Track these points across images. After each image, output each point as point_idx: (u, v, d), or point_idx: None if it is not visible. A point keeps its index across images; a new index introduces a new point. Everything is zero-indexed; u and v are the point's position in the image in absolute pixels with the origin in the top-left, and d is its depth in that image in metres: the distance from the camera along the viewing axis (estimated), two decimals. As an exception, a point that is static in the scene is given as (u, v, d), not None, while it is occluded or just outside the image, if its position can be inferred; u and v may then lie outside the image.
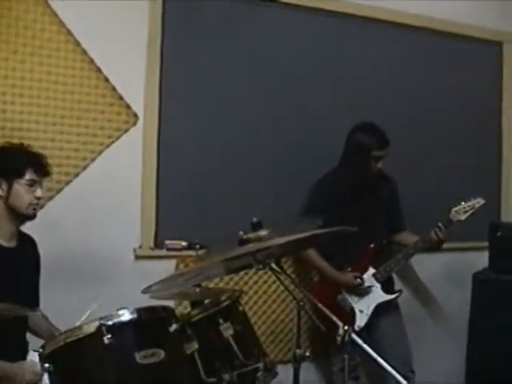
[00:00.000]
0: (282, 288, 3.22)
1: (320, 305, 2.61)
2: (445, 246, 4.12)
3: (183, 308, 3.81)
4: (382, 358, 3.95)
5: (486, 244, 4.53)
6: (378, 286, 4.03)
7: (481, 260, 4.55)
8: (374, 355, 2.48)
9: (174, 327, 2.73)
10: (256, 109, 4.21)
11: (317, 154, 4.27)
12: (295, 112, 4.31)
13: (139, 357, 2.57)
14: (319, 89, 4.39)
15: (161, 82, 3.94)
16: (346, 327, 2.45)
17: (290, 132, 4.29)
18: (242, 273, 4.11)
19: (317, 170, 4.13)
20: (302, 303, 2.69)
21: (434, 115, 4.81)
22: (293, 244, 2.65)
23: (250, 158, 4.18)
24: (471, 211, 4.00)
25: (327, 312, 2.57)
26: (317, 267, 4.15)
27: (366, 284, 4.01)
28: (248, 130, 4.18)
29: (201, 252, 3.83)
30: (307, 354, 2.84)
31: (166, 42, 3.95)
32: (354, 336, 2.46)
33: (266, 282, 4.17)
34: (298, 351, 2.81)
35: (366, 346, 2.48)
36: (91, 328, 2.54)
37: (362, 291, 4.01)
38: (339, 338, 2.44)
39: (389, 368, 2.47)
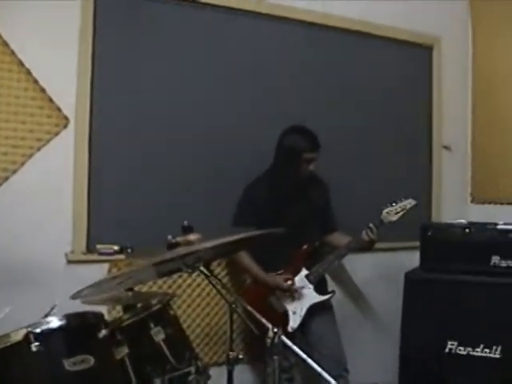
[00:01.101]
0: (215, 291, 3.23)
1: (249, 307, 2.62)
2: (377, 246, 4.16)
3: (117, 313, 3.78)
4: (317, 358, 4.03)
5: (417, 244, 4.59)
6: (311, 287, 4.05)
7: (412, 260, 4.60)
8: (304, 356, 2.50)
9: (103, 333, 2.72)
10: (189, 110, 4.18)
11: (249, 158, 4.27)
12: (227, 115, 4.29)
13: (68, 364, 2.56)
14: (251, 93, 4.39)
15: (92, 85, 3.89)
16: (275, 329, 2.46)
17: (223, 135, 4.27)
18: (175, 276, 4.09)
19: (249, 173, 4.13)
20: (234, 306, 2.69)
21: (366, 117, 4.87)
22: (222, 248, 2.66)
23: (182, 163, 4.15)
24: (402, 212, 4.07)
25: (256, 314, 2.58)
26: (247, 270, 4.16)
27: (299, 285, 4.03)
28: (181, 132, 4.15)
29: (130, 256, 3.80)
30: (241, 356, 2.85)
31: (98, 43, 3.90)
32: (284, 338, 2.48)
33: (199, 285, 4.16)
34: (232, 353, 2.83)
35: (295, 348, 2.50)
36: (19, 336, 2.52)
37: (292, 294, 4.03)
38: (269, 340, 2.46)
39: (318, 368, 2.49)
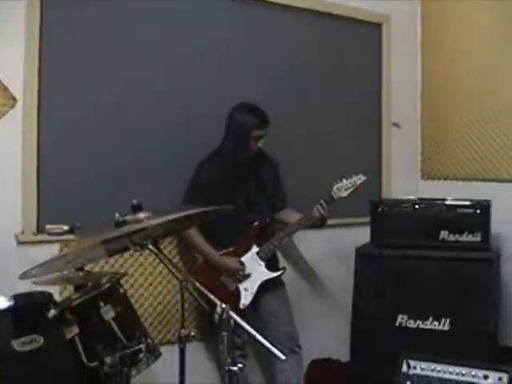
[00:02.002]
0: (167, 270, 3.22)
1: (198, 284, 2.62)
2: (328, 222, 4.20)
3: (69, 293, 3.75)
4: (269, 334, 4.08)
5: (368, 220, 4.64)
6: (262, 263, 4.08)
7: (363, 236, 4.66)
8: (253, 332, 2.52)
9: (52, 312, 2.70)
10: (137, 89, 4.14)
11: (200, 136, 4.26)
12: (176, 93, 4.26)
13: (17, 344, 2.55)
14: (200, 72, 4.37)
15: (40, 64, 3.82)
16: (223, 305, 2.48)
17: (173, 115, 4.25)
18: (127, 255, 4.08)
19: (200, 151, 4.13)
20: (185, 284, 2.70)
21: (316, 94, 4.89)
22: (170, 225, 2.66)
23: (132, 141, 4.12)
24: (352, 188, 4.10)
25: (205, 291, 2.59)
26: (198, 250, 4.17)
27: (250, 262, 4.07)
28: (130, 113, 4.11)
29: (79, 235, 3.77)
30: (192, 333, 2.87)
31: (45, 21, 3.82)
32: (232, 313, 2.49)
33: (151, 263, 4.14)
34: (183, 331, 2.84)
35: (244, 323, 2.52)
36: (-34, 317, 2.50)
37: (240, 276, 4.06)
38: (217, 316, 2.47)
39: (267, 344, 2.52)
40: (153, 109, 4.19)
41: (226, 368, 2.51)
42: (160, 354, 3.16)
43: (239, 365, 2.52)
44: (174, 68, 4.28)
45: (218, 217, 3.71)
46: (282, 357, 2.55)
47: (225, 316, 2.47)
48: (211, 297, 2.55)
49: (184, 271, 2.73)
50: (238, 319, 2.50)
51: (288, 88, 4.74)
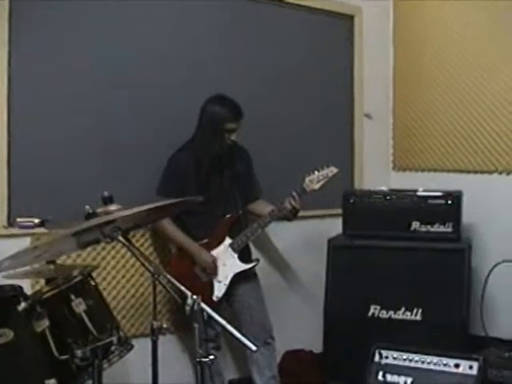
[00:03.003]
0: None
1: (169, 276, 2.62)
2: (300, 214, 4.21)
3: (40, 286, 3.74)
4: (243, 326, 4.09)
5: (340, 211, 4.66)
6: (235, 255, 4.08)
7: (335, 227, 4.69)
8: (224, 323, 2.53)
9: (22, 306, 2.70)
10: (111, 81, 4.10)
11: (173, 127, 4.25)
12: (150, 85, 4.24)
13: (-13, 338, 2.54)
14: (174, 64, 4.35)
15: (9, 55, 3.77)
16: (194, 296, 2.48)
17: (146, 106, 4.23)
18: (99, 248, 4.05)
19: (173, 143, 4.11)
20: (157, 276, 2.69)
21: (289, 86, 4.90)
22: (140, 216, 2.66)
23: (104, 134, 4.08)
24: (324, 180, 4.11)
25: (176, 283, 2.59)
26: (172, 239, 4.17)
27: (223, 254, 4.08)
28: (102, 105, 4.08)
29: (50, 228, 3.75)
30: (165, 325, 2.87)
31: (14, 10, 3.77)
32: (203, 305, 2.50)
33: (123, 256, 4.13)
34: (156, 323, 2.84)
35: (215, 315, 2.52)
36: None
37: (211, 272, 4.07)
38: (188, 308, 2.47)
39: (239, 335, 2.52)
40: (125, 101, 4.16)
41: (198, 359, 2.51)
42: (132, 346, 3.16)
43: (211, 356, 2.52)
44: (148, 60, 4.25)
45: (189, 208, 3.73)
46: (253, 348, 2.56)
47: (196, 307, 2.47)
48: (182, 288, 2.55)
49: (155, 263, 2.72)
50: (210, 310, 2.51)
51: (261, 80, 4.74)
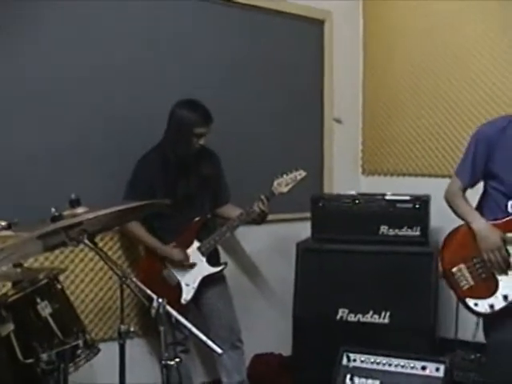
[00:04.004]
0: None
1: (134, 279, 2.62)
2: (269, 217, 4.23)
3: (7, 290, 3.70)
4: (211, 329, 4.09)
5: (308, 215, 4.68)
6: (204, 259, 4.08)
7: (304, 231, 4.70)
8: (190, 326, 2.53)
9: (-14, 310, 2.68)
10: (82, 83, 4.06)
11: (142, 131, 4.22)
12: (120, 88, 4.22)
13: (-49, 342, 2.51)
14: (143, 68, 4.32)
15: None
16: (159, 299, 2.48)
17: (114, 109, 4.20)
18: (67, 251, 4.02)
19: (142, 146, 4.10)
20: (124, 279, 2.68)
21: (258, 90, 4.91)
22: (105, 219, 2.65)
23: (72, 136, 4.04)
24: (293, 183, 4.13)
25: (142, 286, 2.58)
26: (142, 241, 4.16)
27: (191, 258, 4.07)
28: (70, 104, 4.03)
29: (16, 230, 3.72)
30: (132, 329, 2.87)
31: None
32: (169, 308, 2.50)
33: (92, 259, 4.10)
34: (123, 327, 2.84)
35: (181, 318, 2.53)
36: None
37: (186, 266, 4.06)
38: (153, 311, 2.47)
39: (204, 338, 2.53)
40: (93, 103, 4.12)
41: (163, 362, 2.51)
42: (99, 349, 3.15)
43: (176, 359, 2.53)
44: (116, 61, 4.21)
45: (157, 211, 3.72)
46: (219, 351, 2.56)
47: (161, 310, 2.47)
48: (148, 291, 2.55)
49: (121, 266, 2.71)
50: (175, 313, 2.51)
51: (230, 84, 4.74)
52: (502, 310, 3.27)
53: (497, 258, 3.26)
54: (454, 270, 3.42)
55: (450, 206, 3.58)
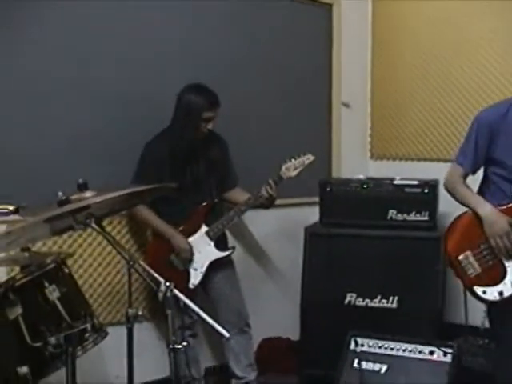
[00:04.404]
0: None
1: (142, 262, 2.63)
2: (278, 202, 4.22)
3: (15, 274, 3.71)
4: (219, 313, 4.10)
5: (317, 199, 4.68)
6: (212, 243, 4.08)
7: (312, 215, 4.70)
8: (197, 310, 2.54)
9: (-5, 293, 2.68)
10: (87, 71, 4.04)
11: (149, 116, 4.21)
12: (126, 73, 4.21)
13: (-41, 325, 2.52)
14: (151, 55, 4.30)
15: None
16: (167, 283, 2.48)
17: (123, 93, 4.18)
18: (76, 235, 4.03)
19: (149, 131, 4.09)
20: (132, 263, 2.68)
21: (267, 74, 4.89)
22: (112, 203, 2.65)
23: (80, 120, 4.03)
24: (301, 168, 4.13)
25: (149, 269, 2.59)
26: (150, 224, 4.16)
27: (199, 241, 4.08)
28: (78, 90, 4.02)
29: (24, 214, 3.72)
30: (140, 312, 2.87)
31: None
32: (176, 291, 2.50)
33: (100, 243, 4.10)
34: (131, 311, 2.85)
35: (188, 301, 2.53)
36: None
37: (186, 258, 4.06)
38: (161, 295, 2.47)
39: (211, 322, 2.53)
40: (101, 88, 4.12)
41: (171, 346, 2.52)
42: (107, 333, 3.15)
43: (184, 343, 2.53)
44: (124, 49, 4.20)
45: (165, 196, 3.72)
46: (227, 335, 2.57)
47: (169, 294, 2.47)
48: (155, 275, 2.55)
49: (129, 251, 2.72)
50: (183, 297, 2.51)
51: (238, 68, 4.72)
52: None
53: (505, 243, 3.22)
54: (461, 257, 3.35)
55: (452, 194, 3.54)
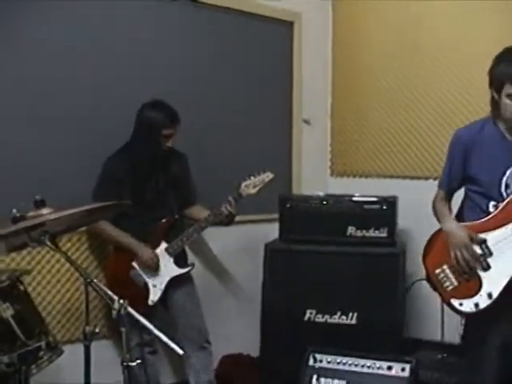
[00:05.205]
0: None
1: (95, 280, 2.62)
2: (238, 218, 4.26)
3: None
4: (179, 330, 4.09)
5: (277, 216, 4.70)
6: (171, 260, 4.09)
7: (272, 232, 4.71)
8: (151, 327, 2.53)
9: None
10: (48, 87, 4.04)
11: (109, 132, 4.20)
12: (85, 89, 4.18)
13: None
14: (109, 69, 4.29)
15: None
16: (120, 300, 2.48)
17: (82, 109, 4.16)
18: (34, 252, 4.01)
19: (109, 147, 4.08)
20: (89, 280, 2.67)
21: (228, 91, 4.91)
22: (70, 220, 2.65)
23: (40, 136, 4.01)
24: (260, 185, 4.15)
25: (103, 287, 2.58)
26: (113, 239, 4.13)
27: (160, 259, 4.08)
28: (38, 105, 4.00)
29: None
30: (97, 330, 2.85)
31: None
32: (130, 309, 2.50)
33: (58, 260, 4.08)
34: (88, 328, 2.82)
35: (142, 319, 2.53)
36: None
37: (151, 267, 4.06)
38: (114, 312, 2.47)
39: (165, 339, 2.53)
40: (60, 103, 4.10)
41: (125, 364, 2.51)
42: (62, 351, 3.14)
43: (138, 361, 2.53)
44: (82, 63, 4.18)
45: (124, 212, 3.72)
46: (181, 352, 2.57)
47: (122, 312, 2.47)
48: (109, 293, 2.54)
49: (82, 267, 2.71)
50: (136, 314, 2.51)
51: (199, 85, 4.73)
52: (487, 308, 3.27)
53: (464, 255, 3.28)
54: (438, 271, 3.41)
55: (434, 214, 3.59)
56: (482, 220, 3.30)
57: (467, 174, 3.36)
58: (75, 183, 4.07)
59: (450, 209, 3.51)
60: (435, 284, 3.44)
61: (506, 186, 3.23)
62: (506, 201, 3.23)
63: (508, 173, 3.22)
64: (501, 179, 3.23)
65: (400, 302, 4.45)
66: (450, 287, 3.37)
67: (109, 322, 4.31)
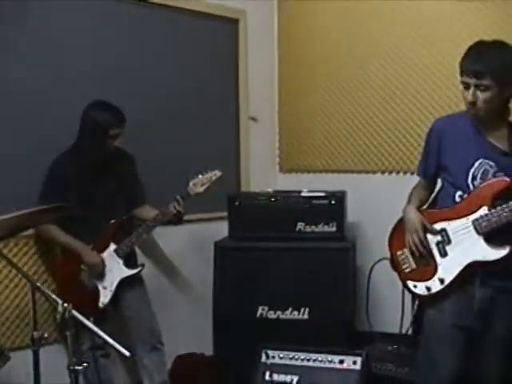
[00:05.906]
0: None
1: (38, 284, 2.60)
2: (188, 217, 4.28)
3: None
4: (130, 332, 4.07)
5: (226, 214, 4.70)
6: (121, 261, 4.07)
7: (222, 230, 4.72)
8: (96, 330, 2.52)
9: None
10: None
11: (54, 134, 4.15)
12: (32, 92, 4.14)
13: None
14: (55, 69, 4.26)
15: None
16: (65, 304, 2.46)
17: (27, 112, 4.11)
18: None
19: (55, 149, 4.05)
20: (34, 284, 2.65)
21: (174, 89, 4.89)
22: (12, 224, 2.62)
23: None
24: (208, 184, 4.17)
25: (47, 291, 2.56)
26: (59, 242, 4.10)
27: (108, 260, 4.05)
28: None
29: None
30: (46, 335, 2.83)
31: None
32: (75, 312, 2.48)
33: (5, 266, 4.03)
34: (36, 333, 2.80)
35: (86, 322, 2.51)
36: None
37: (99, 272, 4.03)
38: (58, 316, 2.45)
39: (111, 341, 2.53)
40: (6, 106, 4.05)
41: (71, 367, 2.50)
42: (9, 357, 3.10)
43: (84, 364, 2.51)
44: (30, 66, 4.14)
45: (72, 214, 3.69)
46: (127, 353, 2.57)
47: (67, 315, 2.46)
48: (53, 296, 2.52)
49: (26, 272, 2.68)
50: (81, 317, 2.49)
51: (144, 84, 4.70)
52: (438, 293, 3.32)
53: (414, 240, 3.35)
54: (399, 253, 3.49)
55: None
56: (447, 209, 3.35)
57: (441, 162, 3.40)
58: (22, 186, 4.03)
59: (428, 197, 3.55)
60: (395, 264, 3.54)
61: (473, 178, 3.26)
62: (471, 192, 3.28)
63: (476, 164, 3.25)
64: (468, 170, 3.26)
65: (351, 295, 4.49)
66: (408, 269, 3.45)
67: (59, 327, 4.27)
